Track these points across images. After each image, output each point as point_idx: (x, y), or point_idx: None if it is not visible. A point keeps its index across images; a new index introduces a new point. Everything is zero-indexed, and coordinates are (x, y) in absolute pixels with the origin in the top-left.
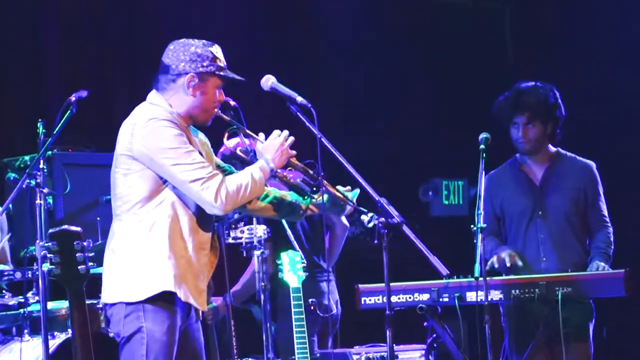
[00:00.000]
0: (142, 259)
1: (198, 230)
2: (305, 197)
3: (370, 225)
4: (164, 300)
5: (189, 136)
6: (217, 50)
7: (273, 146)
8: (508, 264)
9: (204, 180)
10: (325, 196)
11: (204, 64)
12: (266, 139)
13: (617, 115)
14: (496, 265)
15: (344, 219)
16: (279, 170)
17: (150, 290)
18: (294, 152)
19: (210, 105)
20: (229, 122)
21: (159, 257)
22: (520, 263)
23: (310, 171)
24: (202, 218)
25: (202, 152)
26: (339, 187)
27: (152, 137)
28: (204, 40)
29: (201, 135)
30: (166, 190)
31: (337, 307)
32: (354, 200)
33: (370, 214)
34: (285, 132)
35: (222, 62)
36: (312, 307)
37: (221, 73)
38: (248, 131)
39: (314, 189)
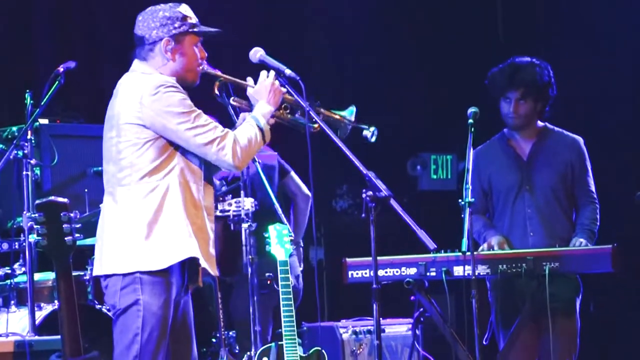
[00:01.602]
0: (159, 228)
1: (205, 196)
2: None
3: (374, 139)
4: (163, 272)
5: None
6: (185, 9)
7: (265, 88)
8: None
9: (219, 140)
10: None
11: (176, 25)
12: (255, 83)
13: (606, 92)
14: (486, 252)
15: (305, 190)
16: (275, 110)
17: (171, 258)
18: (284, 89)
19: (194, 64)
20: (216, 75)
21: (178, 226)
22: (509, 250)
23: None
24: (208, 184)
25: None
26: (335, 111)
27: (162, 103)
28: (170, 3)
29: None
30: (176, 157)
31: (299, 281)
32: (352, 118)
33: (372, 128)
34: (273, 72)
35: (193, 19)
36: (268, 282)
37: (195, 30)
38: (237, 79)
39: (313, 120)
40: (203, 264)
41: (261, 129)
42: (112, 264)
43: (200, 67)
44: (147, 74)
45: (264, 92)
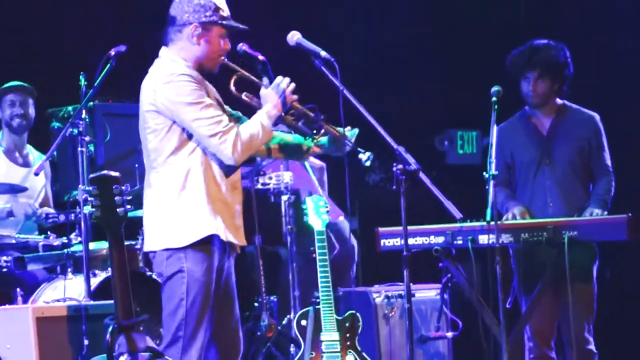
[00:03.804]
0: (182, 207)
1: (228, 172)
2: (307, 139)
3: (368, 164)
4: (204, 242)
5: (206, 88)
6: (220, 1)
7: (277, 92)
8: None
9: (221, 134)
10: (326, 137)
11: (207, 13)
12: (270, 84)
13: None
14: (509, 222)
15: (317, 161)
16: (282, 114)
17: (194, 236)
18: (295, 96)
19: (216, 54)
20: (234, 70)
21: (199, 204)
22: (530, 219)
23: (311, 114)
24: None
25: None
26: (339, 128)
27: (173, 92)
28: None
29: (210, 86)
30: (195, 138)
31: (351, 240)
32: (352, 140)
33: (367, 153)
34: (287, 79)
35: (225, 12)
36: (312, 255)
37: (224, 22)
38: (253, 77)
39: (315, 130)
40: (226, 237)
41: (264, 128)
42: (149, 241)
43: (221, 59)
44: (165, 61)
45: (274, 96)
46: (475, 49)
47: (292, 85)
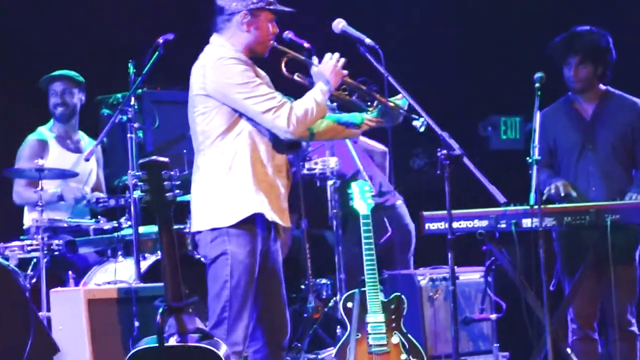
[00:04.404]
0: (228, 187)
1: (274, 155)
2: (361, 113)
3: (422, 129)
4: (248, 224)
5: (255, 70)
6: None
7: (328, 68)
8: (562, 193)
9: (275, 109)
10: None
11: (254, 0)
12: (319, 63)
13: None
14: (552, 191)
15: (379, 145)
16: (334, 90)
17: (239, 214)
18: (346, 71)
19: (266, 38)
20: (284, 52)
21: (245, 184)
22: (573, 193)
23: (364, 87)
24: (276, 144)
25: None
26: (391, 99)
27: (223, 75)
28: None
29: (261, 71)
30: (242, 121)
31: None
32: (405, 108)
33: (421, 119)
34: (337, 55)
35: None
36: None
37: (270, 7)
38: (303, 57)
39: (368, 103)
40: (271, 217)
41: (318, 104)
42: (196, 222)
43: (271, 43)
44: (216, 46)
45: (326, 72)
46: (520, 35)
47: (342, 60)
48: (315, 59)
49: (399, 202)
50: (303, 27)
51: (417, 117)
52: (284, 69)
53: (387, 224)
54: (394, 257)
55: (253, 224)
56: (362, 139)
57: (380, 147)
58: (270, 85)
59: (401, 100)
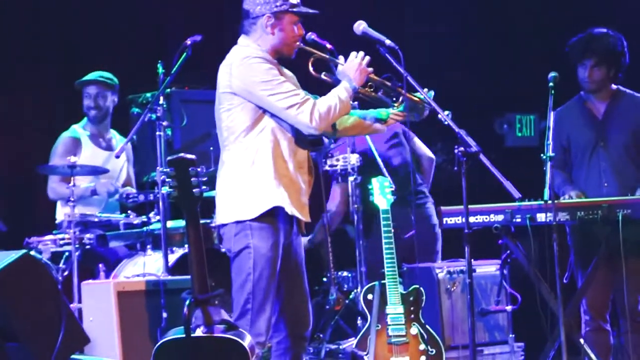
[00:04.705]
0: (250, 181)
1: (296, 152)
2: (387, 108)
3: (446, 122)
4: (270, 217)
5: (279, 70)
6: None
7: (353, 67)
8: None
9: (298, 105)
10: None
11: (277, 3)
12: (345, 61)
13: None
14: (566, 201)
15: (428, 152)
16: (360, 88)
17: (260, 208)
18: (371, 69)
19: (291, 40)
20: (311, 52)
21: (266, 178)
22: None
23: (389, 83)
24: (298, 141)
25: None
26: (416, 94)
27: (248, 73)
28: None
29: (287, 71)
30: (266, 118)
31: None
32: (430, 101)
33: (446, 112)
34: (362, 53)
35: None
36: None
37: (294, 10)
38: (329, 57)
39: (394, 99)
40: (291, 211)
41: (342, 101)
42: (221, 215)
43: (297, 44)
44: (243, 46)
45: (351, 70)
46: (535, 36)
47: (367, 58)
48: (341, 58)
49: (429, 203)
50: (326, 28)
51: (442, 110)
52: (311, 69)
53: (413, 221)
54: (418, 255)
55: (275, 217)
56: (417, 141)
57: (429, 153)
58: (296, 84)
59: (427, 93)
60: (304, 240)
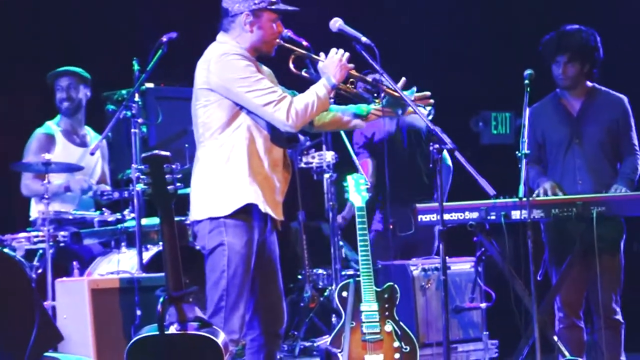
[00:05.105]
0: (225, 178)
1: (272, 150)
2: (369, 104)
3: (430, 117)
4: (244, 214)
5: (257, 67)
6: None
7: (332, 63)
8: (550, 195)
9: (275, 103)
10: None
11: (256, 1)
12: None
13: None
14: (541, 194)
15: (448, 161)
16: (340, 84)
17: (234, 204)
18: (351, 65)
19: (270, 37)
20: (291, 49)
21: (240, 175)
22: (560, 194)
23: (369, 79)
24: (274, 139)
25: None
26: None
27: (226, 70)
28: None
29: (265, 68)
30: (242, 115)
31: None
32: (412, 98)
33: (428, 108)
34: (341, 50)
35: None
36: (390, 226)
37: (273, 7)
38: (310, 54)
39: (375, 95)
40: (264, 209)
41: (320, 98)
42: (195, 211)
43: (276, 41)
44: (221, 43)
45: (331, 67)
46: (510, 34)
47: (347, 54)
48: (322, 55)
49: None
50: (306, 25)
51: (423, 105)
52: (291, 66)
53: (412, 222)
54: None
55: (249, 214)
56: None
57: (449, 162)
58: (274, 81)
59: (408, 91)
60: (338, 217)
